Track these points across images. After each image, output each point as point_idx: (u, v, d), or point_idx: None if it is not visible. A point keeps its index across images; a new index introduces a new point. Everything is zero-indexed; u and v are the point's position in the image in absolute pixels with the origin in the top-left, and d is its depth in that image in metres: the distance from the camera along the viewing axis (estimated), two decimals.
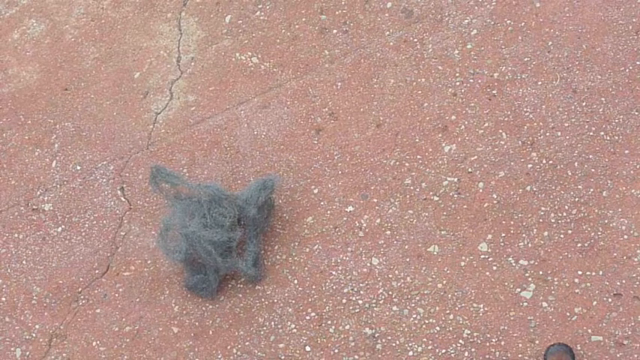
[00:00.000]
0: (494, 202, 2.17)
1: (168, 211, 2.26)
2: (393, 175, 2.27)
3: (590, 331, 1.96)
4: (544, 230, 2.11)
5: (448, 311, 2.06)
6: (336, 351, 2.06)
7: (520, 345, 1.98)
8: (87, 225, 2.38)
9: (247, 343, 2.11)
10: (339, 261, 2.18)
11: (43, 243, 2.38)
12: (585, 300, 2.00)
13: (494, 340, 2.00)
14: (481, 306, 2.05)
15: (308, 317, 2.12)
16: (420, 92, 2.39)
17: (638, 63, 2.29)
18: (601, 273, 2.03)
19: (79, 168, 2.50)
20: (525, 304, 2.03)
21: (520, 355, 1.97)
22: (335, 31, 2.56)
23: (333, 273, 2.17)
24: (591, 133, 2.21)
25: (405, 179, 2.26)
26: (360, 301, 2.11)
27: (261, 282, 2.19)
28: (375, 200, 2.24)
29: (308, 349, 2.08)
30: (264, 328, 2.12)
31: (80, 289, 2.28)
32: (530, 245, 2.09)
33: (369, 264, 2.16)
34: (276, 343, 2.10)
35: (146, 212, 2.36)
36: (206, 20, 2.70)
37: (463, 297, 2.07)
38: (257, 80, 2.54)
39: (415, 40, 2.48)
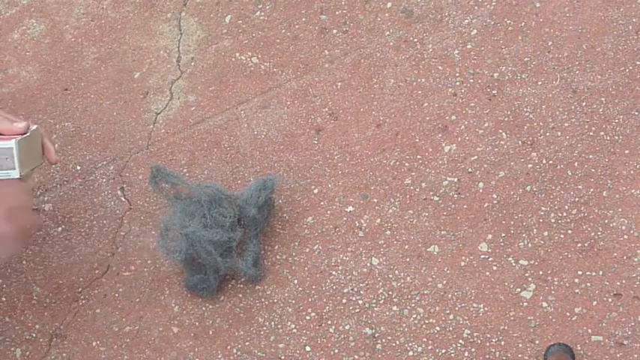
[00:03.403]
0: (495, 202, 2.17)
1: (168, 211, 2.26)
2: (393, 175, 2.27)
3: (590, 331, 1.96)
4: (544, 230, 2.11)
5: (448, 311, 2.06)
6: (336, 351, 2.06)
7: (520, 345, 1.98)
8: (87, 225, 2.38)
9: (247, 343, 2.11)
10: (339, 261, 2.18)
11: (43, 243, 2.38)
12: (585, 300, 2.00)
13: (494, 340, 2.00)
14: (481, 306, 2.05)
15: (308, 317, 2.12)
16: (420, 92, 2.39)
17: (638, 63, 2.29)
18: (601, 273, 2.03)
19: (79, 168, 2.50)
20: (525, 304, 2.03)
21: (520, 355, 1.97)
22: (335, 31, 2.56)
23: (333, 273, 2.17)
24: (591, 133, 2.21)
25: (405, 179, 2.26)
26: (360, 301, 2.11)
27: (261, 282, 2.19)
28: (375, 200, 2.25)
29: (308, 349, 2.08)
30: (264, 328, 2.12)
31: (80, 289, 2.28)
32: (530, 245, 2.10)
33: (369, 264, 2.16)
34: (276, 343, 2.10)
35: (146, 212, 2.36)
36: (206, 20, 2.70)
37: (463, 297, 2.07)
38: (257, 80, 2.54)
39: (415, 40, 2.48)
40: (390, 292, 2.11)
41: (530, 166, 2.21)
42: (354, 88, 2.45)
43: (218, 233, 2.11)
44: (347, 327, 2.09)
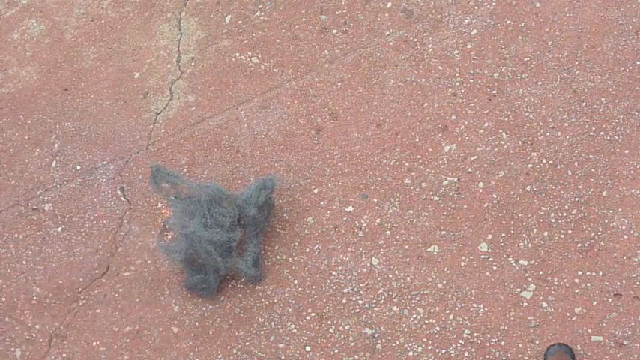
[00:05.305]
0: (495, 202, 2.17)
1: (168, 211, 2.26)
2: (393, 175, 2.27)
3: (590, 331, 1.96)
4: (544, 230, 2.11)
5: (448, 311, 2.06)
6: (336, 351, 2.06)
7: (520, 345, 1.98)
8: (87, 225, 2.38)
9: (247, 343, 2.11)
10: (339, 261, 2.18)
11: (43, 243, 2.38)
12: (585, 300, 2.00)
13: (494, 340, 2.00)
14: (481, 306, 2.05)
15: (308, 317, 2.12)
16: (420, 92, 2.39)
17: (638, 63, 2.29)
18: (601, 273, 2.03)
19: (79, 168, 2.50)
20: (525, 304, 2.03)
21: (520, 355, 1.97)
22: (335, 31, 2.56)
23: (333, 273, 2.17)
24: (591, 133, 2.21)
25: (405, 179, 2.26)
26: (360, 301, 2.11)
27: (261, 282, 2.19)
28: (375, 200, 2.24)
29: (308, 349, 2.08)
30: (264, 328, 2.12)
31: (80, 289, 2.28)
32: (530, 245, 2.09)
33: (369, 264, 2.16)
34: (276, 343, 2.10)
35: (146, 212, 2.36)
36: (206, 20, 2.70)
37: (463, 297, 2.07)
38: (257, 80, 2.54)
39: (415, 40, 2.48)
40: (390, 292, 2.11)
41: (530, 166, 2.21)
42: (354, 88, 2.45)
43: (218, 233, 2.11)
44: (347, 327, 2.09)
